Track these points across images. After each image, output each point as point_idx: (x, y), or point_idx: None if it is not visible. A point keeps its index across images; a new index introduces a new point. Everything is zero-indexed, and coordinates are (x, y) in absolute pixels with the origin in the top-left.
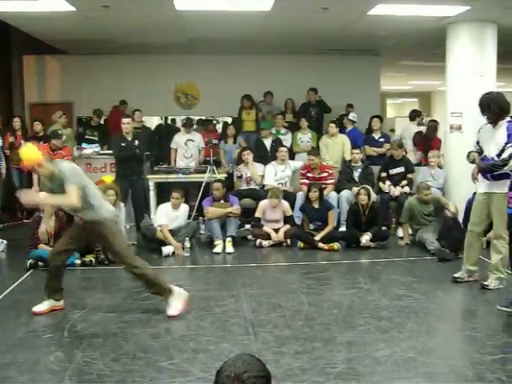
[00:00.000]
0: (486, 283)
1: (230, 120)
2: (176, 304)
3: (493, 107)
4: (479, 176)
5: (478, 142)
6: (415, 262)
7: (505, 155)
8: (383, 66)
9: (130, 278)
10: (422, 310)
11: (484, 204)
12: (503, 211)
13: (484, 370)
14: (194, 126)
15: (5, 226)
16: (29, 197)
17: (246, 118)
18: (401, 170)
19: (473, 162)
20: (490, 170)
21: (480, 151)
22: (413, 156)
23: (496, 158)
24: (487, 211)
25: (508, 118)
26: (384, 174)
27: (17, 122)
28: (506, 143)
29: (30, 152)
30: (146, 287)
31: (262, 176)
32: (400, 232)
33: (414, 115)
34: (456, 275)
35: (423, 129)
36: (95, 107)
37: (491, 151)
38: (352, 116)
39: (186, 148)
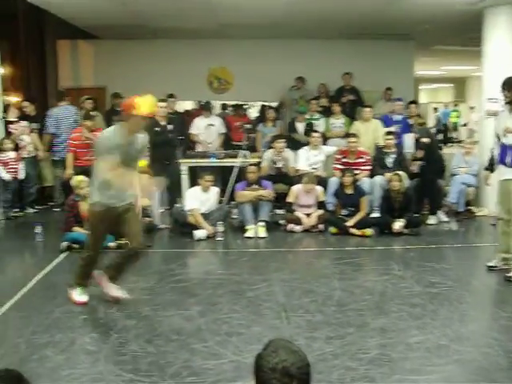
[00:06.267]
0: (509, 274)
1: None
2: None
3: None
4: (498, 165)
5: (497, 135)
6: (449, 249)
7: None
8: (417, 50)
9: (163, 262)
10: (455, 297)
11: (509, 189)
12: None
13: None
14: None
15: (40, 209)
16: None
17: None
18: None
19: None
20: None
21: (498, 139)
22: None
23: None
24: None
25: None
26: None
27: None
28: None
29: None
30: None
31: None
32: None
33: None
34: (490, 264)
35: None
36: (128, 92)
37: (510, 138)
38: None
39: (207, 133)
